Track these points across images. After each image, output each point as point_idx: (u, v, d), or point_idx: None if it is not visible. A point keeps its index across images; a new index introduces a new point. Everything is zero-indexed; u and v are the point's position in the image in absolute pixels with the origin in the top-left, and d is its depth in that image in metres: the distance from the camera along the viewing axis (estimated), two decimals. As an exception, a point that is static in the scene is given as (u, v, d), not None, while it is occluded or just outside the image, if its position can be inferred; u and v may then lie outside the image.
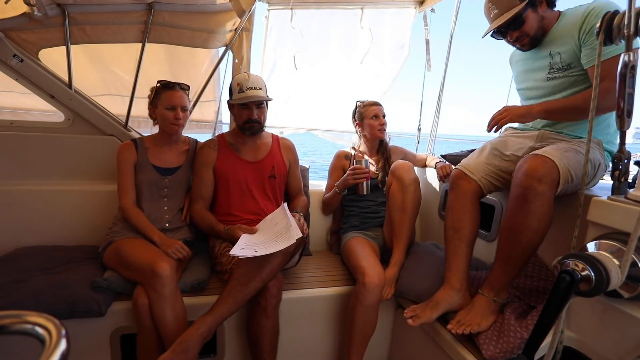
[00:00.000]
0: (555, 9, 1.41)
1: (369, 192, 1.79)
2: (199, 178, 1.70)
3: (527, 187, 1.16)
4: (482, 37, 1.49)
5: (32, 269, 1.49)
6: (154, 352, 1.33)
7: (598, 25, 1.05)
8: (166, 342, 1.32)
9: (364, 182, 1.76)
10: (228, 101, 1.73)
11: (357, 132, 2.07)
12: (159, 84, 1.64)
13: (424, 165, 2.23)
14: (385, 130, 1.97)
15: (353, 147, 2.05)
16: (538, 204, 1.16)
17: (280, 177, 1.79)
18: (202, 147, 1.73)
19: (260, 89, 1.64)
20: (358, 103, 2.03)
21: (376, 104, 1.98)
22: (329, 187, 2.00)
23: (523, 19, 1.35)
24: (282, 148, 1.84)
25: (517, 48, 1.47)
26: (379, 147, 2.05)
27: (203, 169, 1.69)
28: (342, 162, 2.01)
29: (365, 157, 1.82)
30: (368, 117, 1.95)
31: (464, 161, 1.52)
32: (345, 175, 1.81)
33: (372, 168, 1.97)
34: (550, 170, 1.15)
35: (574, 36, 1.28)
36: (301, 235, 1.33)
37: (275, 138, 1.86)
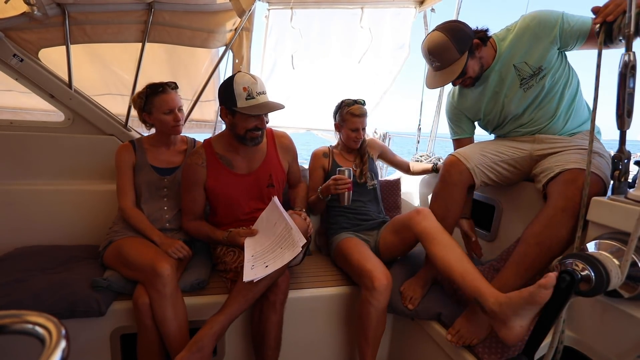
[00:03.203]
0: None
1: (349, 204, 1.68)
2: (189, 196, 1.58)
3: (579, 203, 1.15)
4: (429, 88, 1.57)
5: (32, 269, 1.49)
6: (154, 352, 1.34)
7: (598, 26, 1.06)
8: (167, 341, 1.32)
9: (346, 193, 1.64)
10: (230, 108, 1.44)
11: (334, 131, 1.98)
12: (148, 90, 1.60)
13: (407, 170, 2.14)
14: (360, 141, 1.90)
15: (329, 147, 1.99)
16: (577, 218, 1.16)
17: (279, 184, 1.67)
18: (190, 164, 1.54)
19: (266, 93, 1.47)
20: (343, 103, 1.91)
21: (359, 115, 1.85)
22: (311, 189, 1.89)
23: (465, 70, 1.42)
24: (279, 149, 1.68)
25: (461, 87, 1.57)
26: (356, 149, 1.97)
27: (193, 187, 1.56)
28: (321, 162, 1.92)
29: (340, 169, 1.70)
30: (347, 126, 1.87)
31: (459, 149, 1.54)
32: (327, 183, 1.69)
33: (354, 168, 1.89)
34: (597, 188, 1.18)
35: (546, 37, 1.34)
36: (305, 241, 1.30)
37: (271, 138, 1.68)
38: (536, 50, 1.38)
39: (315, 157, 1.95)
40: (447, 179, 1.49)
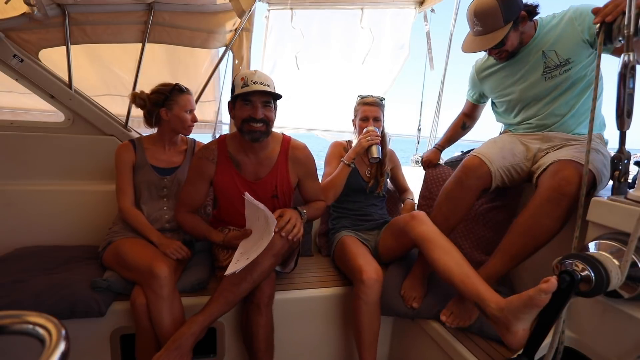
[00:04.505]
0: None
1: (380, 156, 1.69)
2: (192, 187, 1.55)
3: (566, 193, 1.18)
4: (464, 52, 1.52)
5: (32, 269, 1.49)
6: (152, 352, 1.32)
7: (598, 26, 1.06)
8: (163, 343, 1.31)
9: (376, 146, 1.68)
10: (229, 101, 1.52)
11: (353, 129, 1.93)
12: (176, 86, 1.64)
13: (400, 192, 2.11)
14: None
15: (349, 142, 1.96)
16: (567, 210, 1.19)
17: (284, 196, 1.59)
18: (201, 157, 1.53)
19: (268, 86, 1.42)
20: (357, 98, 1.89)
21: (371, 103, 1.80)
22: (327, 175, 1.81)
23: (505, 41, 1.39)
24: (290, 161, 1.58)
25: (495, 59, 1.54)
26: None
27: (198, 180, 1.54)
28: (340, 151, 1.87)
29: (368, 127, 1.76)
30: (358, 117, 1.82)
31: (478, 149, 1.50)
32: (357, 141, 1.70)
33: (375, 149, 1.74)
34: (585, 178, 1.18)
35: (581, 31, 1.33)
36: (275, 222, 1.28)
37: (285, 148, 1.57)
38: (568, 40, 1.36)
39: (335, 145, 1.91)
40: (464, 181, 1.43)
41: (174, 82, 1.66)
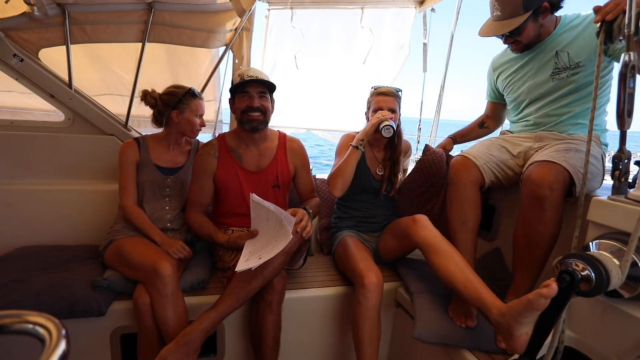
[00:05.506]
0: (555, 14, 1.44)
1: (394, 126, 1.56)
2: (198, 185, 1.62)
3: (541, 197, 1.19)
4: (479, 36, 1.51)
5: (32, 269, 1.49)
6: (154, 352, 1.33)
7: (598, 25, 1.06)
8: (167, 341, 1.32)
9: (389, 121, 1.55)
10: (230, 98, 1.63)
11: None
12: (190, 90, 1.65)
13: None
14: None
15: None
16: (554, 211, 1.20)
17: (284, 186, 1.69)
18: (202, 154, 1.63)
19: (262, 79, 1.55)
20: (371, 89, 1.77)
21: (386, 93, 1.69)
22: (336, 165, 1.67)
23: (521, 30, 1.38)
24: (288, 151, 1.70)
25: (510, 49, 1.53)
26: (388, 143, 1.77)
27: (203, 177, 1.61)
28: (351, 142, 1.68)
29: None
30: (371, 109, 1.71)
31: (465, 150, 1.52)
32: (370, 120, 1.61)
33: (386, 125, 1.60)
34: (557, 177, 1.19)
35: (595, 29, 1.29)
36: (294, 220, 1.30)
37: (282, 141, 1.70)
38: (583, 43, 1.35)
39: (347, 137, 1.77)
40: (456, 180, 1.45)
41: (176, 83, 1.67)
